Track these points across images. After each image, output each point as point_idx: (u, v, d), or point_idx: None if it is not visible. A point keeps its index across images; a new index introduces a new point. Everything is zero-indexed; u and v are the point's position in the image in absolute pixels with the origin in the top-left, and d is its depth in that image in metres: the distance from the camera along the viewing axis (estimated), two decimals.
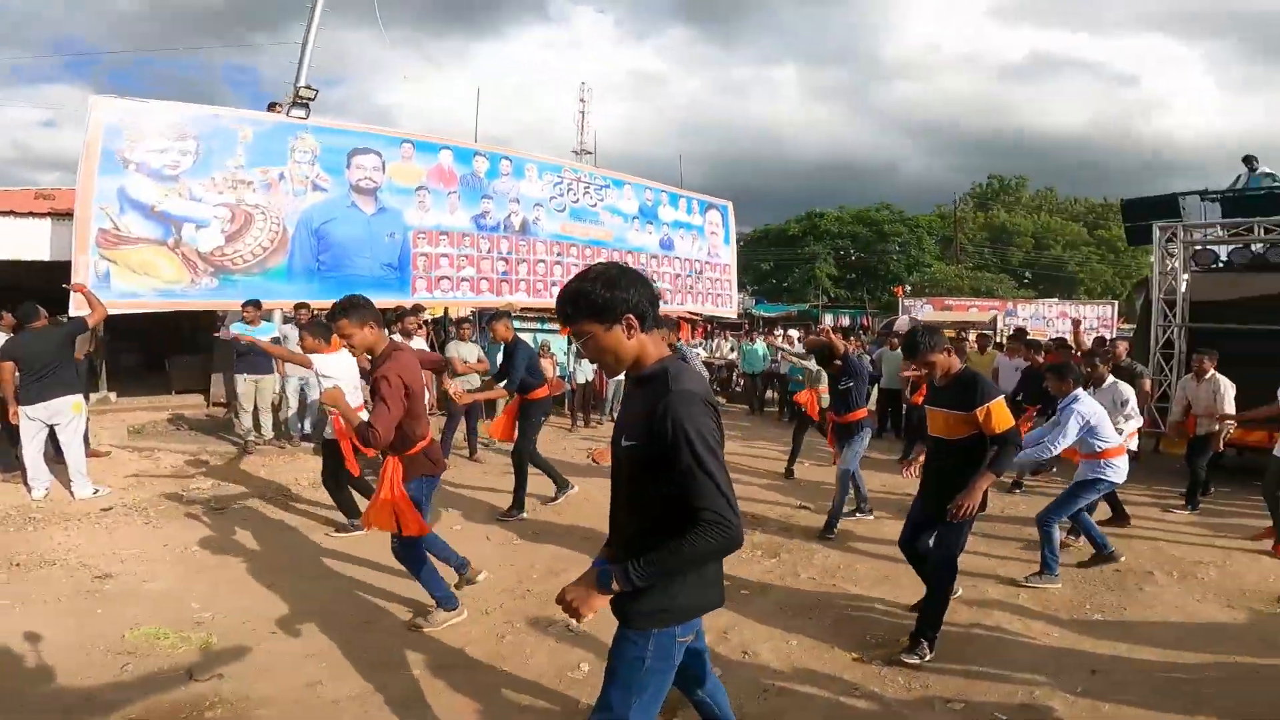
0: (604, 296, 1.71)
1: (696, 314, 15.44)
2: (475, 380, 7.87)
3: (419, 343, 7.11)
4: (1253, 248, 8.05)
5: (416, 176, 10.51)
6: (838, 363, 5.51)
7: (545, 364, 9.76)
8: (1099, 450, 4.43)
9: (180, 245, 8.17)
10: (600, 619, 3.44)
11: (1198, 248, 8.31)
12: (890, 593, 4.16)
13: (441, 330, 10.48)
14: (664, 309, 12.28)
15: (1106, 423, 4.48)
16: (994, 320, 20.12)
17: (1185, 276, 8.16)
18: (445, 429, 7.36)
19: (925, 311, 23.30)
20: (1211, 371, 6.03)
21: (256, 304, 7.49)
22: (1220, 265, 8.34)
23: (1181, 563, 4.76)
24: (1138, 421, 5.42)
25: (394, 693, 2.99)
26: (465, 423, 7.84)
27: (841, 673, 3.22)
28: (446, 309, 11.80)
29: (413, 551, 3.52)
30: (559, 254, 12.31)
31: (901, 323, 20.94)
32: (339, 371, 4.81)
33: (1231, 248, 8.25)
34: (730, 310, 16.36)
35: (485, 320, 7.76)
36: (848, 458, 5.29)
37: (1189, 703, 2.97)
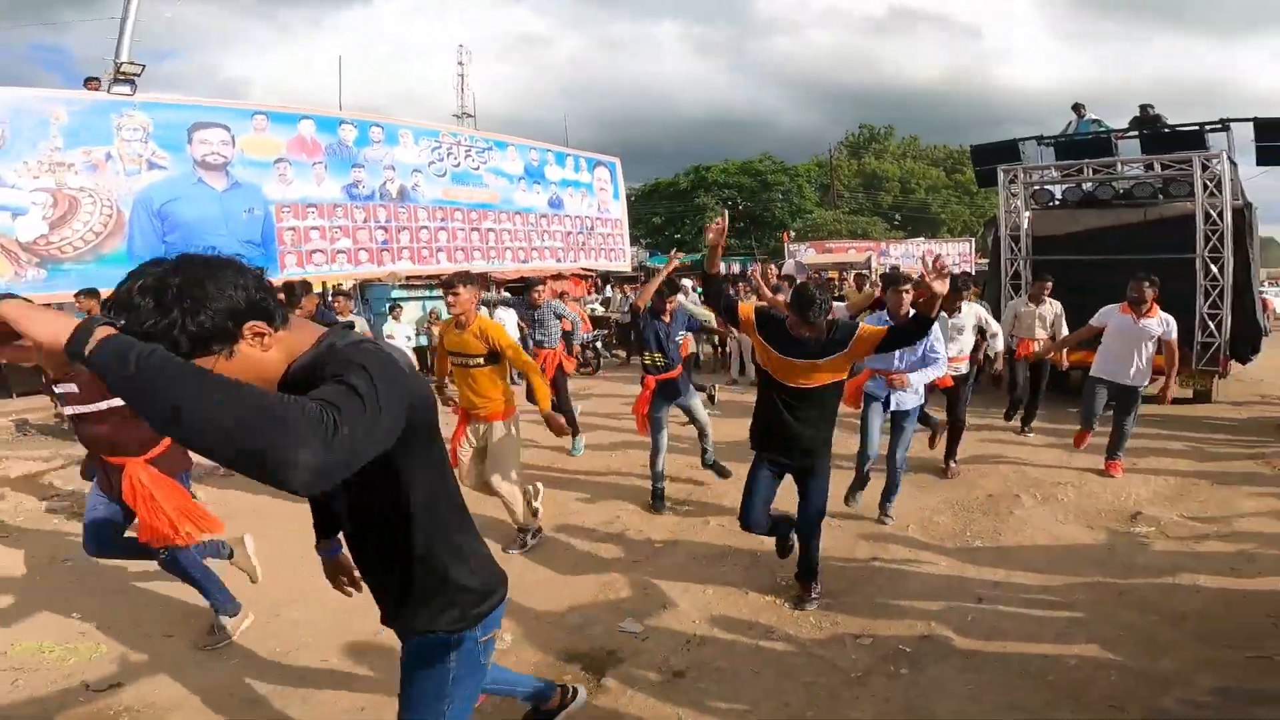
0: (197, 322, 1.10)
1: (591, 270, 15.14)
2: None
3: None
4: (1083, 187, 8.57)
5: (274, 149, 9.59)
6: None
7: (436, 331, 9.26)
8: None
9: None
10: (523, 591, 3.26)
11: (1036, 188, 8.77)
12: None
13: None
14: (558, 266, 11.91)
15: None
16: (869, 260, 20.89)
17: (1027, 214, 8.60)
18: None
19: (809, 255, 23.98)
20: (1046, 297, 6.31)
21: (92, 293, 6.58)
22: (1056, 203, 8.84)
23: (1043, 484, 4.99)
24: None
25: (311, 686, 2.79)
26: None
27: (758, 616, 3.25)
28: (325, 283, 10.97)
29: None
30: (443, 219, 11.65)
31: (789, 266, 21.42)
32: None
33: (1064, 187, 8.76)
34: (624, 264, 16.16)
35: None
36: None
37: (1064, 627, 3.08)
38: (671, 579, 3.67)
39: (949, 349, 4.90)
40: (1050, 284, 6.34)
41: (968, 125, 76.50)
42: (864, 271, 15.76)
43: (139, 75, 8.13)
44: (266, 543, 3.71)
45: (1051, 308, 6.29)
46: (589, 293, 14.16)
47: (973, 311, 5.31)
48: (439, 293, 10.89)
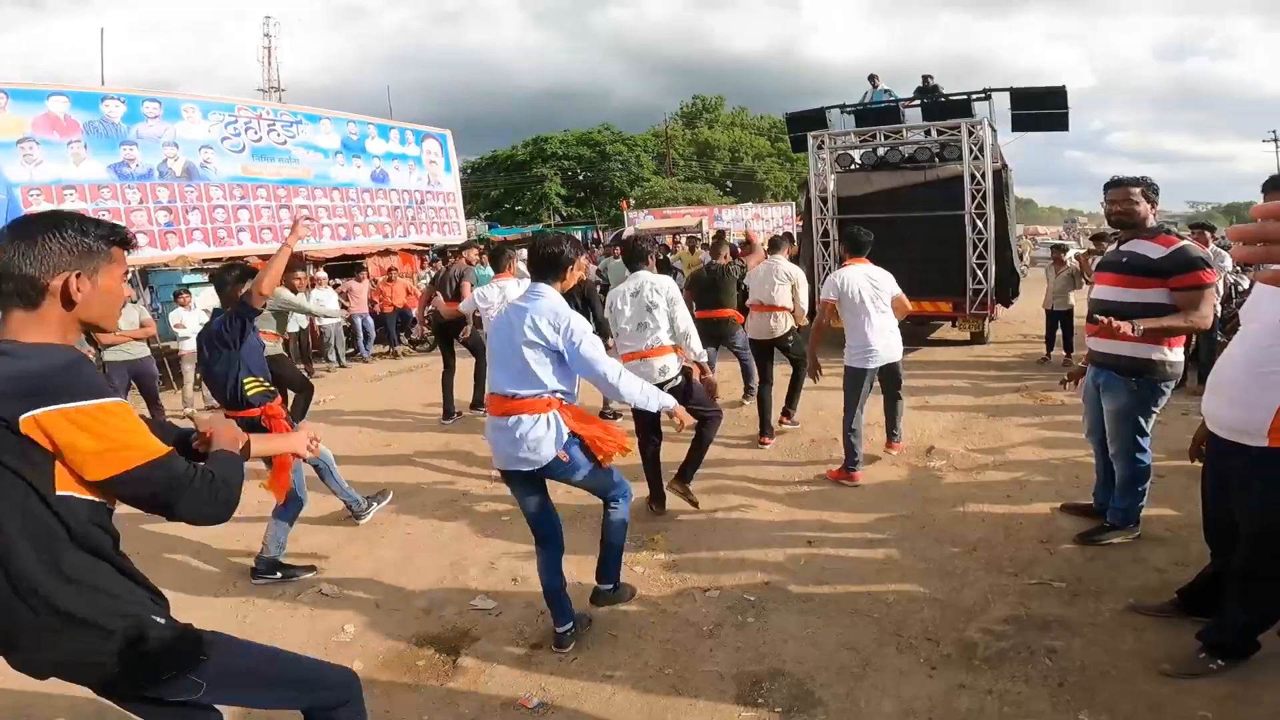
0: None
1: (424, 244, 14.06)
2: (135, 350, 6.26)
3: None
4: (877, 151, 9.03)
5: (17, 128, 7.99)
6: None
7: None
8: None
9: None
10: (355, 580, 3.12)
11: (839, 153, 9.13)
12: (641, 490, 4.00)
13: None
14: (385, 242, 10.77)
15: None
16: (700, 224, 21.30)
17: (832, 177, 8.93)
18: None
19: (648, 221, 24.03)
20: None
21: None
22: (855, 166, 9.27)
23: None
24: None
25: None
26: None
27: None
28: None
29: None
30: (243, 197, 10.15)
31: (628, 233, 21.36)
32: None
33: (862, 151, 9.20)
34: (459, 237, 15.18)
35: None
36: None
37: (881, 564, 3.24)
38: (520, 551, 3.49)
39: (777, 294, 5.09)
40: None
41: (790, 95, 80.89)
42: (695, 235, 15.97)
43: None
44: None
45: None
46: (421, 267, 13.13)
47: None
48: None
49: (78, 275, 1.28)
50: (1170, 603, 2.59)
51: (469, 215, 25.22)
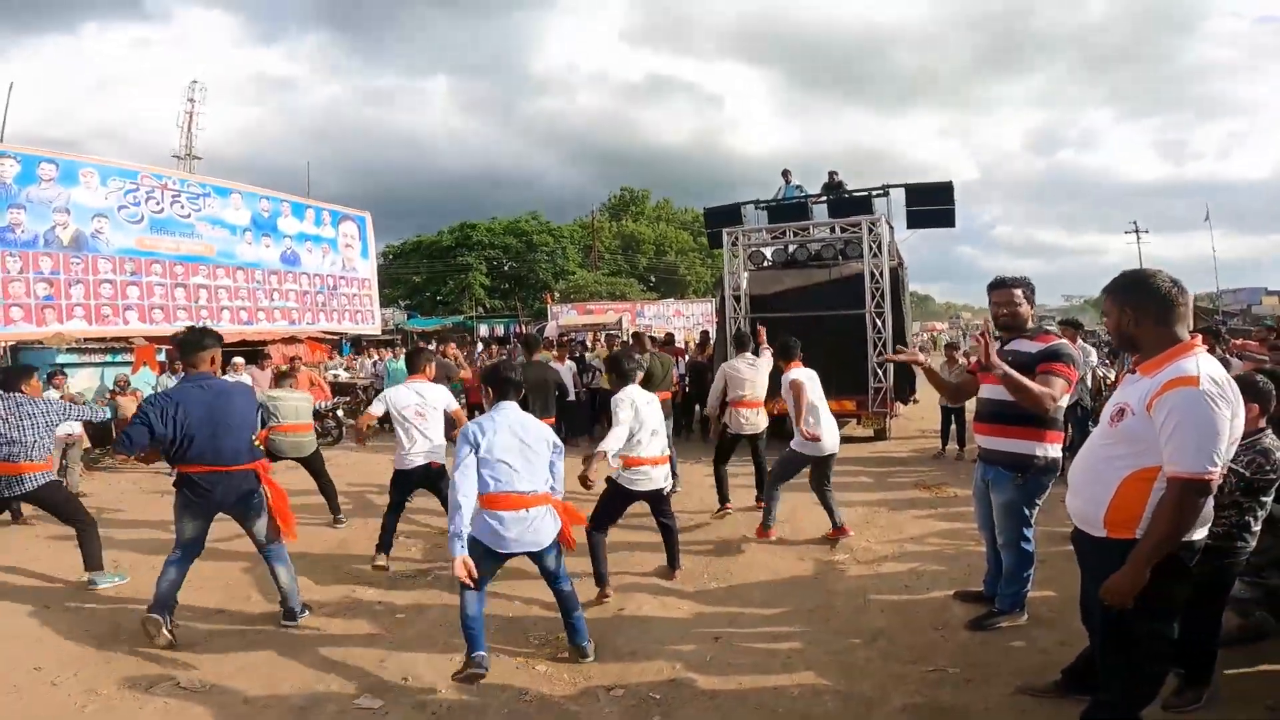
0: None
1: (334, 333, 13.66)
2: None
3: None
4: (788, 248, 9.55)
5: None
6: None
7: (127, 401, 7.49)
8: None
9: None
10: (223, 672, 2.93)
11: (752, 249, 9.60)
12: (541, 595, 3.91)
13: None
14: (292, 329, 10.44)
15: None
16: (619, 321, 21.74)
17: (745, 274, 9.34)
18: None
19: (570, 316, 24.37)
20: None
21: None
22: (767, 264, 9.77)
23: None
24: None
25: None
26: None
27: (509, 680, 3.10)
28: None
29: None
30: (134, 272, 9.67)
31: (550, 329, 21.49)
32: None
33: (774, 249, 9.72)
34: (374, 326, 14.89)
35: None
36: None
37: (786, 657, 3.25)
38: (414, 648, 3.40)
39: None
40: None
41: (712, 185, 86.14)
42: (614, 332, 16.27)
43: None
44: None
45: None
46: (330, 357, 12.67)
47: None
48: (125, 358, 9.03)
49: None
50: (1055, 683, 2.70)
51: (387, 303, 24.89)
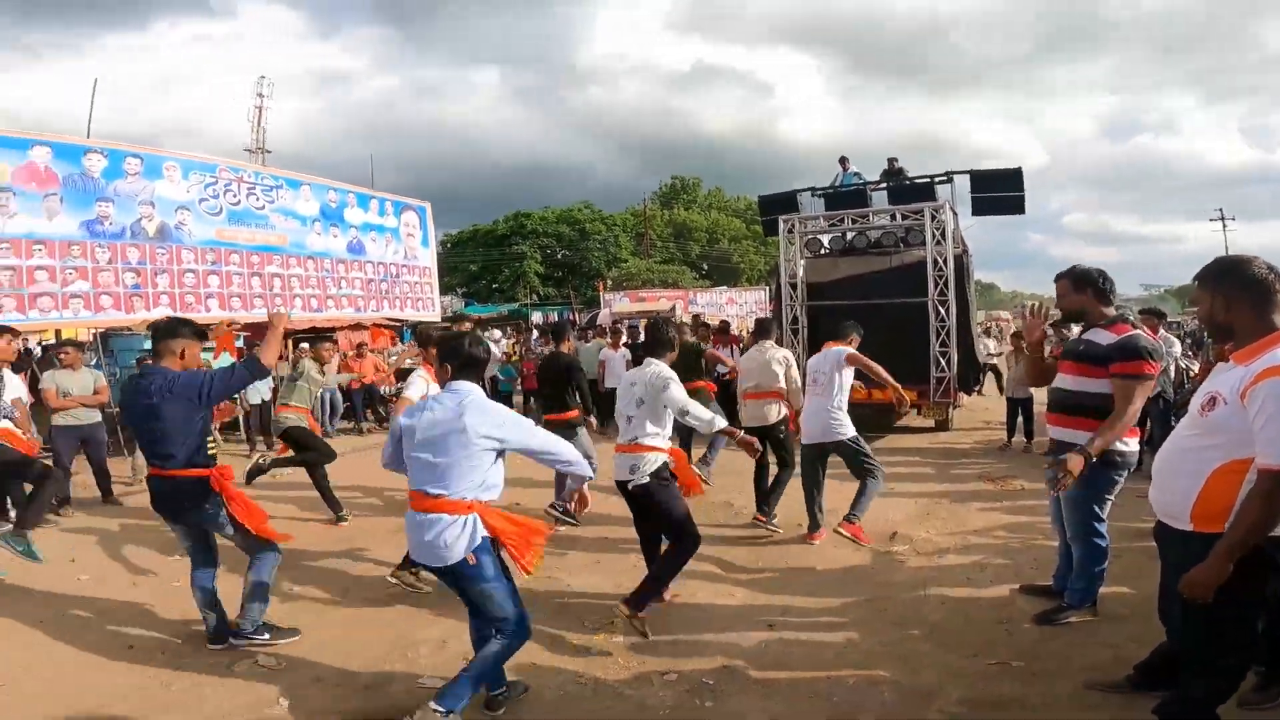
0: None
1: (397, 320, 14.14)
2: (84, 415, 6.15)
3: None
4: (846, 236, 9.42)
5: None
6: None
7: None
8: None
9: None
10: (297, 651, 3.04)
11: (809, 237, 9.51)
12: (598, 581, 4.14)
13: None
14: (358, 316, 10.84)
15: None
16: (673, 309, 21.78)
17: (802, 262, 9.27)
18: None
19: (623, 303, 24.52)
20: None
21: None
22: (825, 251, 9.67)
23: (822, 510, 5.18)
24: None
25: None
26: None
27: (565, 663, 3.17)
28: (59, 331, 9.11)
29: None
30: (214, 262, 10.23)
31: (603, 316, 21.70)
32: None
33: (831, 236, 9.62)
34: (433, 313, 15.30)
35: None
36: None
37: (841, 647, 3.24)
38: None
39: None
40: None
41: (763, 174, 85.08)
42: (669, 319, 16.33)
43: None
44: None
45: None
46: (393, 343, 13.15)
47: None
48: (210, 344, 9.57)
49: None
50: (1127, 679, 2.64)
51: (444, 290, 25.55)
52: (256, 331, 10.08)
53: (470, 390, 2.63)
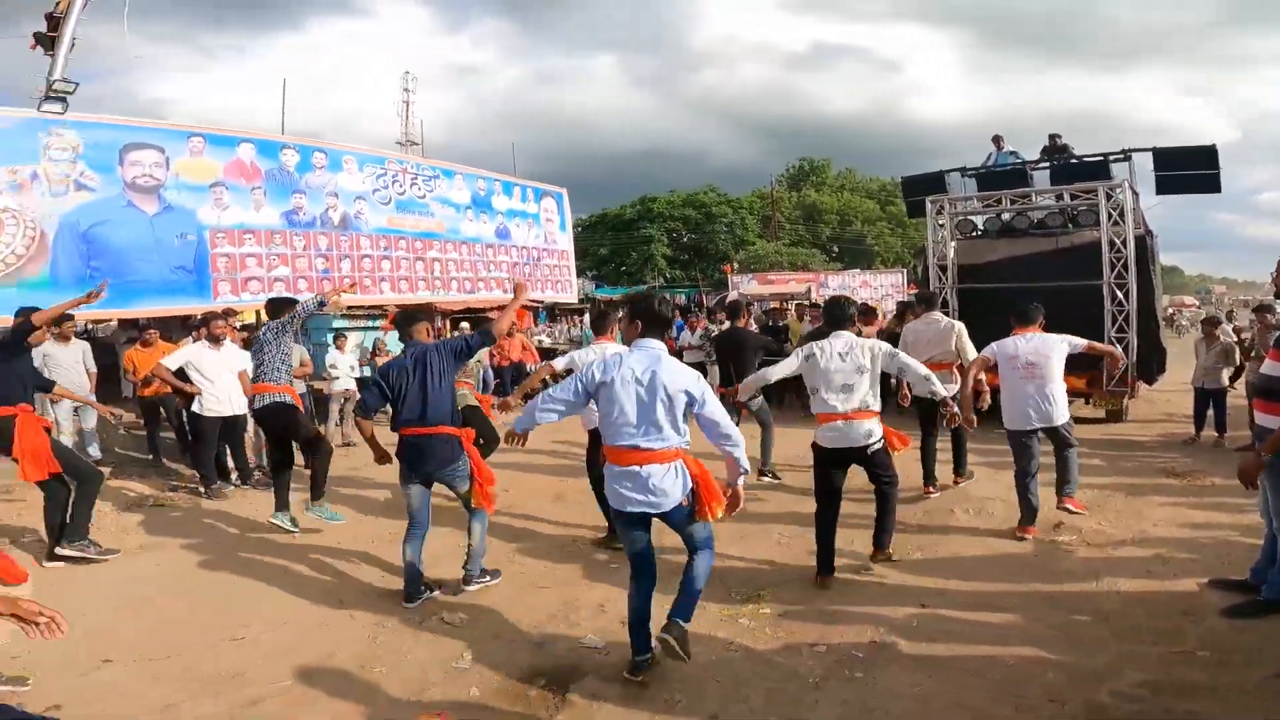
0: None
1: (538, 301, 15.11)
2: (298, 386, 7.15)
3: (230, 347, 6.28)
4: (1002, 216, 9.04)
5: (211, 172, 9.28)
6: None
7: (382, 362, 9.02)
8: None
9: None
10: (475, 611, 3.38)
11: (960, 218, 9.20)
12: (745, 549, 4.37)
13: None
14: (505, 298, 11.84)
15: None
16: (808, 291, 21.49)
17: (953, 243, 8.99)
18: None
19: (751, 286, 24.47)
20: None
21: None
22: (978, 233, 9.31)
23: (974, 499, 5.22)
24: None
25: (268, 707, 2.73)
26: None
27: (714, 630, 3.29)
28: (258, 312, 10.63)
29: None
30: (386, 248, 11.45)
31: (733, 298, 21.81)
32: None
33: (985, 217, 9.24)
34: (571, 295, 16.16)
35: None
36: None
37: (1001, 629, 3.24)
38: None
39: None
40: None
41: (894, 155, 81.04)
42: (804, 302, 16.19)
43: (71, 94, 7.85)
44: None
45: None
46: (532, 323, 14.09)
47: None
48: (380, 323, 10.74)
49: None
50: None
51: (577, 273, 26.67)
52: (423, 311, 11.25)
53: (661, 347, 2.85)
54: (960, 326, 5.43)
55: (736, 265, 31.77)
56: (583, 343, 13.88)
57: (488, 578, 3.93)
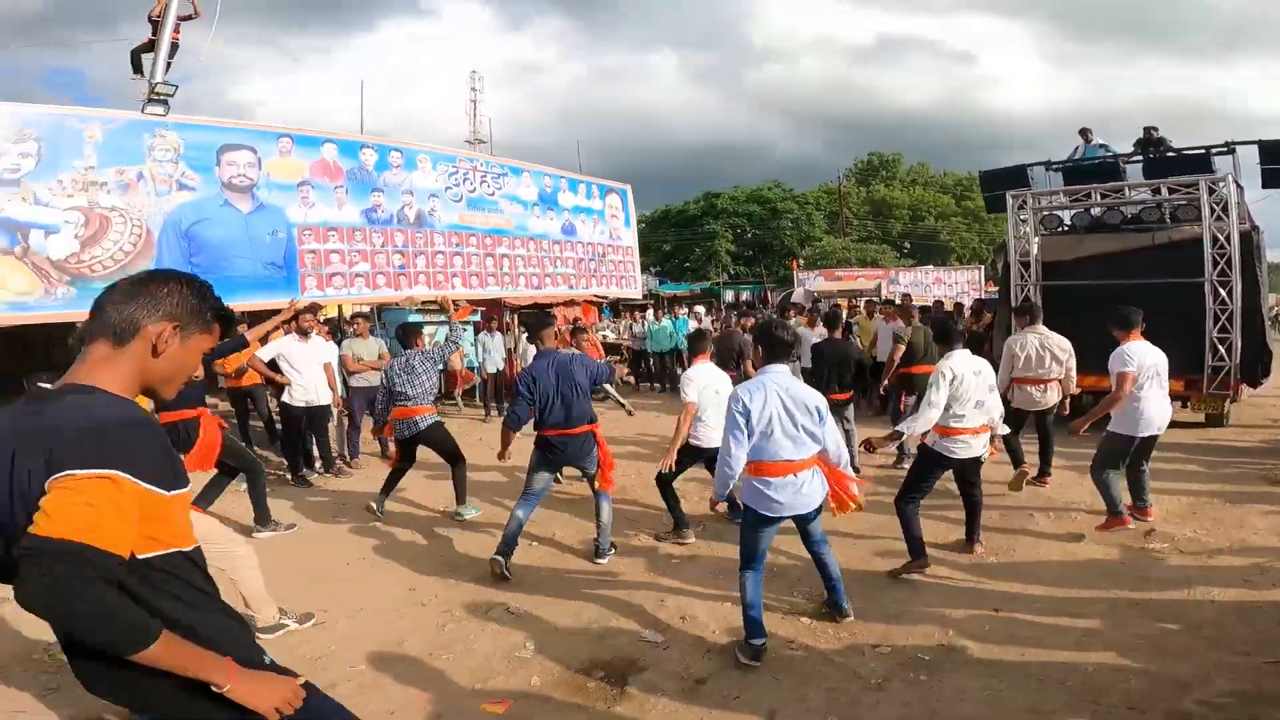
0: None
1: (603, 297, 15.33)
2: (374, 378, 7.50)
3: (318, 341, 6.66)
4: (1092, 212, 8.64)
5: (298, 172, 9.79)
6: None
7: (454, 357, 9.40)
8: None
9: (29, 254, 7.28)
10: (538, 601, 3.53)
11: (1045, 213, 8.84)
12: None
13: (338, 329, 9.94)
14: (571, 293, 12.05)
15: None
16: (879, 288, 20.99)
17: (1036, 239, 8.65)
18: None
19: (818, 283, 24.09)
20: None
21: None
22: (1064, 229, 8.92)
23: (1055, 503, 5.09)
24: None
25: (341, 690, 2.83)
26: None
27: (775, 628, 3.29)
28: (341, 307, 11.19)
29: None
30: (458, 244, 11.85)
31: (798, 295, 21.55)
32: None
33: (1073, 212, 8.85)
34: (635, 291, 16.30)
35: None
36: None
37: (1081, 635, 3.16)
38: (689, 592, 3.78)
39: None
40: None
41: (963, 150, 77.79)
42: (874, 299, 15.84)
43: (172, 96, 8.42)
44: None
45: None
46: (597, 319, 14.32)
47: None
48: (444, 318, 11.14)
49: (174, 328, 1.36)
50: None
51: (641, 269, 26.88)
52: (491, 306, 11.65)
53: (786, 369, 3.18)
54: (1069, 347, 5.55)
55: (802, 261, 31.29)
56: (646, 339, 14.05)
57: (613, 549, 4.41)
